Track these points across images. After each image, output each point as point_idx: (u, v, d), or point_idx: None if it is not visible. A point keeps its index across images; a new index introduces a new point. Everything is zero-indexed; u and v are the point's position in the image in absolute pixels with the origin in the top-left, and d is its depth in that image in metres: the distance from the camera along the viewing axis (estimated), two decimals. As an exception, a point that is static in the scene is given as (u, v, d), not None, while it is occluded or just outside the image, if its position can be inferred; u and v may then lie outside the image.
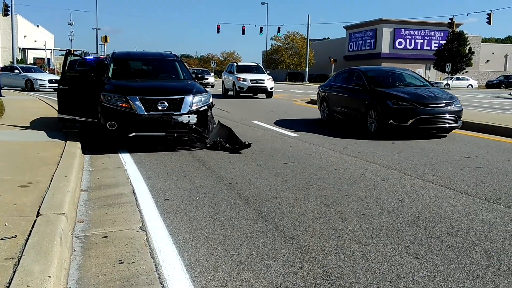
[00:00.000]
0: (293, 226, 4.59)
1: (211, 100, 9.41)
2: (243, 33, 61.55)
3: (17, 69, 30.62)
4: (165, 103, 8.61)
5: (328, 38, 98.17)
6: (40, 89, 28.46)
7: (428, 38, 68.71)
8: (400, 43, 68.03)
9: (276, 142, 9.95)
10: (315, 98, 24.39)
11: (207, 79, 38.93)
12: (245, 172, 7.01)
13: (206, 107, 9.09)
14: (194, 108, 8.82)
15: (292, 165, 7.59)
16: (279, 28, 67.35)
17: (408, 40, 68.23)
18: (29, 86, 28.78)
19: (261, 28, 62.94)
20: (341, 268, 3.65)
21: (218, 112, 15.33)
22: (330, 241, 4.19)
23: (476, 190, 6.07)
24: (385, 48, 67.62)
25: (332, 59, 62.92)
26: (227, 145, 8.93)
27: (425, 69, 58.45)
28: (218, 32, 60.18)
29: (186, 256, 3.84)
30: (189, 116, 8.71)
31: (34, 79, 29.01)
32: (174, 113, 8.61)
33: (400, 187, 6.18)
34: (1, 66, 23.81)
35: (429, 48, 67.42)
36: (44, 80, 29.00)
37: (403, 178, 6.70)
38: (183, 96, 8.80)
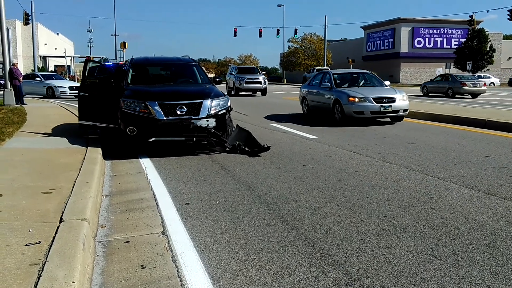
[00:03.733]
0: (314, 229, 4.57)
1: (229, 104, 9.44)
2: (260, 35, 61.61)
3: (38, 76, 31.16)
4: (184, 107, 8.67)
5: (346, 38, 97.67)
6: (61, 96, 28.91)
7: (447, 36, 67.81)
8: (419, 42, 67.27)
9: (295, 145, 9.93)
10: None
11: (257, 79, 31.48)
12: (265, 175, 7.01)
13: (224, 111, 9.12)
14: (212, 112, 8.86)
15: (312, 167, 7.56)
16: (296, 29, 67.17)
17: (427, 39, 67.43)
18: (50, 94, 29.27)
19: (278, 30, 62.99)
20: (364, 271, 3.62)
21: (236, 115, 15.37)
22: (352, 244, 4.16)
23: (500, 190, 5.96)
24: (404, 47, 66.94)
25: (350, 60, 62.55)
26: (246, 149, 8.94)
27: (445, 68, 57.68)
28: (235, 35, 60.36)
29: (208, 261, 3.86)
30: (207, 120, 8.75)
31: (55, 86, 29.49)
32: (193, 117, 8.66)
33: (422, 188, 6.10)
34: (23, 74, 24.43)
35: (449, 46, 66.50)
36: (65, 87, 29.48)
37: (425, 179, 6.62)
38: (202, 100, 8.85)
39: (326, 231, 4.52)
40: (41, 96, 29.17)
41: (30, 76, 31.44)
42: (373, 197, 5.73)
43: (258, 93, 31.97)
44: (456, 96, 31.52)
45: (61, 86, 29.53)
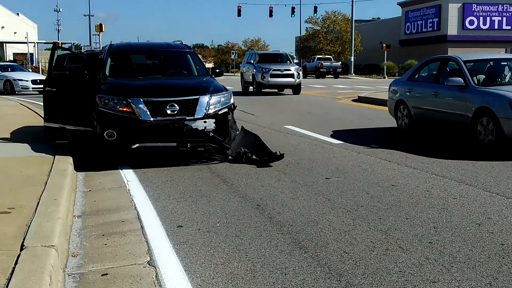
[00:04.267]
0: (340, 258, 4.56)
1: (232, 101, 9.47)
2: (271, 15, 61.91)
3: None
4: (176, 105, 8.70)
5: (379, 18, 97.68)
6: (22, 92, 29.00)
7: (508, 14, 67.57)
8: (471, 22, 67.11)
9: (315, 152, 9.93)
10: (363, 94, 24.31)
11: (287, 71, 27.47)
12: (277, 191, 7.01)
13: (226, 110, 9.14)
14: (211, 111, 8.88)
15: (337, 180, 7.55)
16: (315, 7, 67.37)
17: (481, 18, 67.25)
18: (9, 89, 29.28)
19: (293, 8, 63.26)
20: (404, 312, 3.60)
21: (241, 115, 15.40)
22: (389, 278, 4.15)
23: None
24: (452, 29, 66.79)
25: (384, 45, 62.39)
26: (254, 157, 8.94)
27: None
28: (239, 15, 60.75)
29: (206, 298, 3.86)
30: (205, 122, 8.77)
31: (14, 79, 29.52)
32: (187, 118, 8.69)
33: (477, 207, 6.08)
34: None
35: (509, 27, 66.30)
36: (27, 81, 29.57)
37: (481, 195, 6.59)
38: (198, 97, 8.87)
39: (356, 261, 4.51)
40: None
41: None
42: (415, 218, 5.71)
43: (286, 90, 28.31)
44: None
45: (22, 80, 29.61)
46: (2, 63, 36.86)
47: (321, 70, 56.64)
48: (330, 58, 63.37)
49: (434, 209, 6.04)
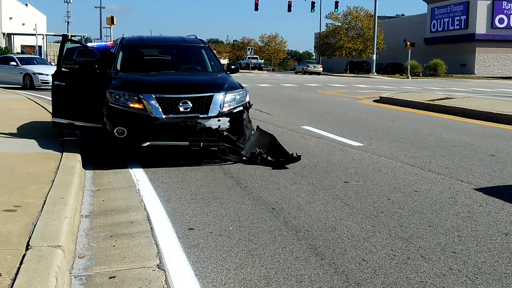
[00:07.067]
0: (358, 267, 4.55)
1: (247, 99, 9.47)
2: (289, 9, 61.89)
3: (14, 60, 30.33)
4: (189, 102, 8.72)
5: (403, 15, 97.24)
6: (42, 87, 27.54)
7: (540, 13, 66.96)
8: (501, 21, 66.61)
9: (334, 154, 9.92)
10: (385, 95, 24.26)
11: None
12: (293, 194, 7.01)
13: (241, 108, 9.15)
14: (225, 109, 8.89)
15: (356, 184, 7.54)
16: (337, 2, 67.26)
17: (512, 16, 66.72)
18: (28, 83, 28.45)
19: (313, 3, 63.16)
20: (425, 324, 3.59)
21: (256, 114, 15.41)
22: (409, 288, 4.13)
23: None
24: (480, 27, 66.35)
25: (408, 43, 62.18)
26: (269, 158, 8.94)
27: (537, 55, 57.06)
28: (256, 9, 60.76)
29: (217, 305, 3.87)
30: (219, 120, 8.78)
31: (34, 73, 28.57)
32: (200, 115, 8.71)
33: (504, 216, 6.03)
34: None
35: (541, 26, 65.69)
36: (47, 75, 27.62)
37: (509, 204, 6.54)
38: (212, 94, 8.89)
39: (375, 269, 4.49)
40: (19, 87, 28.12)
41: (2, 60, 30.88)
42: (438, 226, 5.68)
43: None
44: (303, 73, 71.28)
45: (42, 74, 28.29)
46: (24, 56, 36.21)
47: (250, 65, 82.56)
48: (257, 57, 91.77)
49: (459, 217, 6.00)
